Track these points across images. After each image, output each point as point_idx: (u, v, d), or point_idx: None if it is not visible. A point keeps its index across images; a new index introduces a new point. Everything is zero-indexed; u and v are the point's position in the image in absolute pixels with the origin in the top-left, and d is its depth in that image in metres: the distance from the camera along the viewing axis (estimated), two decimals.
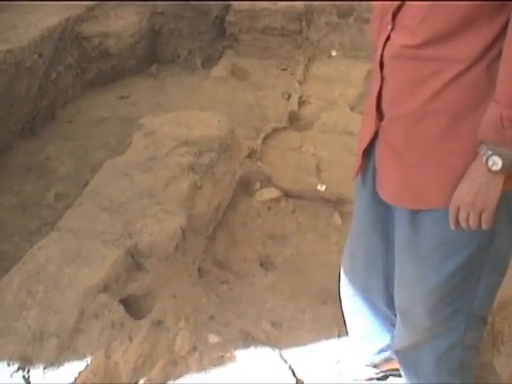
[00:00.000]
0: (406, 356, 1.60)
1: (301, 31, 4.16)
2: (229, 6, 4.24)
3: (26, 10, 3.70)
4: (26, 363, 1.49)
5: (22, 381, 1.46)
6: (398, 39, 1.27)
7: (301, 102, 3.59)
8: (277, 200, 2.70)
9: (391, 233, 1.49)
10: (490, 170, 1.18)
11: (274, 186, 2.75)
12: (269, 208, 2.66)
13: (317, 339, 2.01)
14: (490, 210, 1.22)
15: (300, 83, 3.78)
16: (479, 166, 1.19)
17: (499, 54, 1.15)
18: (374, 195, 1.46)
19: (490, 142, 1.17)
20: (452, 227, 1.27)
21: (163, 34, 4.34)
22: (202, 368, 1.89)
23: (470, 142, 1.21)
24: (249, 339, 1.99)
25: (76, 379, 1.50)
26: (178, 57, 4.39)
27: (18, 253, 2.17)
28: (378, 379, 1.86)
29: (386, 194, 1.41)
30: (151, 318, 1.88)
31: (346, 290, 1.74)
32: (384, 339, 1.75)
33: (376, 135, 1.40)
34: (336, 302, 1.86)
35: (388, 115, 1.35)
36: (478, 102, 1.20)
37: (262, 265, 2.37)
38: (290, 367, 1.90)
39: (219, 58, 4.25)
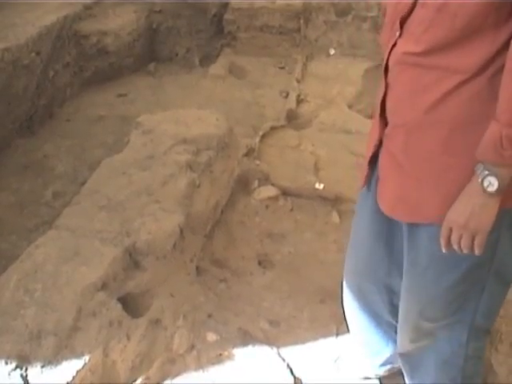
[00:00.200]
0: (409, 359, 1.59)
1: (299, 29, 4.16)
2: (227, 4, 4.24)
3: (23, 8, 3.69)
4: (23, 362, 1.49)
5: (20, 379, 1.46)
6: (403, 46, 1.26)
7: (299, 101, 3.59)
8: (275, 198, 2.69)
9: (396, 242, 1.46)
10: (485, 191, 1.14)
11: (272, 185, 2.75)
12: (267, 206, 2.66)
13: (315, 338, 2.00)
14: (483, 233, 1.17)
15: (298, 81, 3.79)
16: (474, 186, 1.15)
17: (502, 66, 1.11)
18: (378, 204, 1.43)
19: (487, 162, 1.13)
20: (443, 249, 1.24)
21: (161, 32, 4.33)
22: (200, 366, 1.89)
23: (468, 158, 1.17)
24: (247, 338, 1.99)
25: (74, 378, 1.50)
26: (176, 55, 4.39)
27: (16, 251, 2.17)
28: (377, 378, 1.86)
29: (383, 205, 1.39)
30: (149, 316, 1.88)
31: (349, 303, 1.71)
32: (388, 350, 1.73)
33: (381, 143, 1.37)
34: (334, 300, 1.86)
35: (391, 123, 1.33)
36: (479, 116, 1.16)
37: (259, 263, 2.37)
38: (287, 366, 1.90)
39: (217, 56, 4.24)
